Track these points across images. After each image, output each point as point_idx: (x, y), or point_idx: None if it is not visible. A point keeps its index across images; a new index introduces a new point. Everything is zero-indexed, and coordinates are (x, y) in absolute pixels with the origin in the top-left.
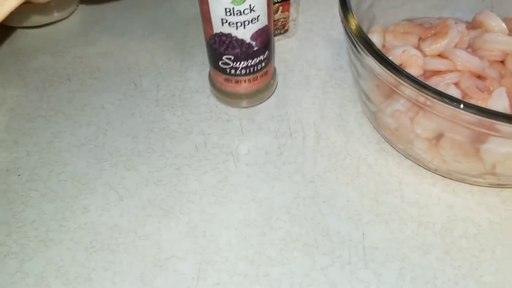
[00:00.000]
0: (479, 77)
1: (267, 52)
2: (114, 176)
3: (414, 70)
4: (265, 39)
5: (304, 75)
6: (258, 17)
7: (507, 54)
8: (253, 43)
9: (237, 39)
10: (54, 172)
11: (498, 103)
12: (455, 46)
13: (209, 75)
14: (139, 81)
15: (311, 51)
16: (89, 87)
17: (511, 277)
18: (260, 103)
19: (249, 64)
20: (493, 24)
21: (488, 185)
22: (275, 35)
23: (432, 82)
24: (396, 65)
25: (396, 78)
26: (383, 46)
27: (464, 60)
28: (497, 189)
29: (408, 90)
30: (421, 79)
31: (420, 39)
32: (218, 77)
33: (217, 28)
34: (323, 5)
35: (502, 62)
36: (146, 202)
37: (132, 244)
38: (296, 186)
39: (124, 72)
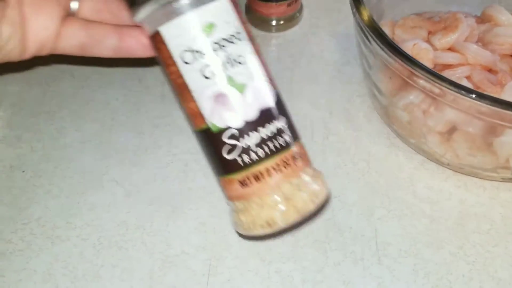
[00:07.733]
0: (490, 70)
1: None
2: (120, 172)
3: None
4: None
5: (312, 70)
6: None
7: None
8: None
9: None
10: (59, 168)
11: (510, 96)
12: (465, 40)
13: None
14: (144, 77)
15: (318, 46)
16: (93, 83)
17: None
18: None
19: None
20: (503, 18)
21: (501, 179)
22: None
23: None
24: (410, 55)
25: (411, 68)
26: (393, 39)
27: (475, 53)
28: (508, 184)
29: (423, 81)
30: None
31: (429, 33)
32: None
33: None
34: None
35: None
36: (154, 198)
37: (140, 240)
38: None
39: (128, 67)
